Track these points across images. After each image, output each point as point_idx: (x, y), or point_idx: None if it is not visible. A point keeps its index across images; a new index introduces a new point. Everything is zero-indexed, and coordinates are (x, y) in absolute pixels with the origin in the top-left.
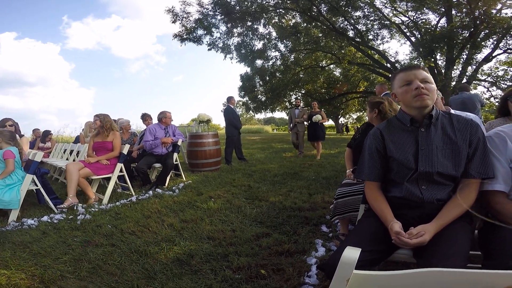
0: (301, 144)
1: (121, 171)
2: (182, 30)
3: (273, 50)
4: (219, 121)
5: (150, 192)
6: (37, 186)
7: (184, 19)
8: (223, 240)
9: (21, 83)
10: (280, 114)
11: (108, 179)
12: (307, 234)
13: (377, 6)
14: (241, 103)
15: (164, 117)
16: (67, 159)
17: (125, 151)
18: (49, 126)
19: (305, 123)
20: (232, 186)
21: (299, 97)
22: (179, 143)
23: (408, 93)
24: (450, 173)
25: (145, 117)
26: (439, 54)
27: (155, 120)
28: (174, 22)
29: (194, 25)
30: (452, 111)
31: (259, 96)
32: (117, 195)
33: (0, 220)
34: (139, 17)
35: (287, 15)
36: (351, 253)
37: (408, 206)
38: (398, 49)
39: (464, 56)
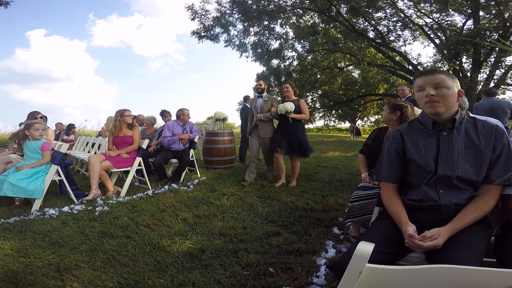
0: (268, 160)
1: (139, 165)
2: (200, 28)
3: (290, 50)
4: (234, 120)
5: (166, 186)
6: (60, 177)
7: (202, 16)
8: (234, 237)
9: (50, 79)
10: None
11: (127, 172)
12: (318, 235)
13: (399, 7)
14: None
15: (182, 114)
16: (89, 151)
17: (144, 146)
18: (73, 120)
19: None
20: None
21: (262, 81)
22: (196, 140)
23: (422, 99)
24: (470, 178)
25: (165, 114)
26: (465, 56)
27: (174, 117)
28: (193, 19)
29: (212, 23)
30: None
31: (275, 96)
32: (134, 188)
33: (24, 209)
34: (160, 16)
35: (305, 16)
36: (365, 247)
37: (424, 210)
38: (421, 51)
39: (492, 59)
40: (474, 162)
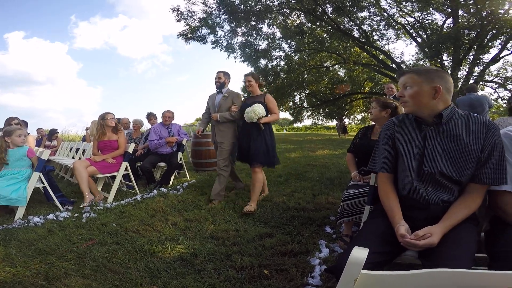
0: (234, 175)
1: (126, 169)
2: (187, 29)
3: (277, 50)
4: None
5: (155, 191)
6: (43, 184)
7: (188, 18)
8: (227, 240)
9: (30, 82)
10: (284, 114)
11: (114, 177)
12: (311, 234)
13: (382, 6)
14: None
15: (163, 116)
16: (73, 157)
17: (130, 150)
18: (56, 124)
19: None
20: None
21: (222, 72)
22: (184, 142)
23: None
24: (451, 176)
25: (150, 116)
26: (445, 54)
27: (160, 120)
28: (178, 21)
29: (198, 24)
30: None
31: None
32: (122, 193)
33: (6, 217)
34: (146, 17)
35: (292, 15)
36: (359, 253)
37: (416, 207)
38: (404, 49)
39: (471, 57)
40: (458, 159)
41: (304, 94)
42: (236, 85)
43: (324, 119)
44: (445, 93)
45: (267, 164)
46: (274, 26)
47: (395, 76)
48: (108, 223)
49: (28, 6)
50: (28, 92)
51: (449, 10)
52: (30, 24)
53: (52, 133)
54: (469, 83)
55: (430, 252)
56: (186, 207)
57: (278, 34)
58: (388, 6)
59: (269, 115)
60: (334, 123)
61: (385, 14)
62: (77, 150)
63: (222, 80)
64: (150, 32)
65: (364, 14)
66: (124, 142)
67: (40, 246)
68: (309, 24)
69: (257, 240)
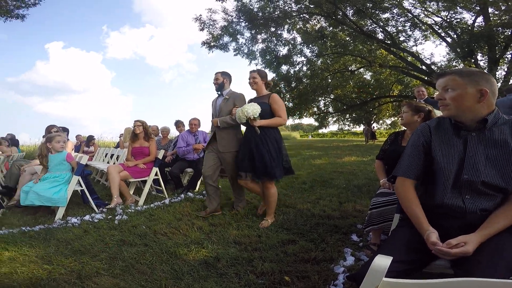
0: (233, 184)
1: (156, 174)
2: (210, 38)
3: (299, 55)
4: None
5: (182, 195)
6: (81, 186)
7: (210, 26)
8: (249, 245)
9: (69, 91)
10: (309, 120)
11: (144, 182)
12: (336, 242)
13: (405, 7)
14: None
15: (189, 124)
16: (108, 162)
17: (160, 156)
18: (92, 131)
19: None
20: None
21: (220, 72)
22: None
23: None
24: (496, 184)
25: (178, 124)
26: (480, 54)
27: (187, 127)
28: (202, 30)
29: (220, 32)
30: None
31: (286, 102)
32: (152, 197)
33: (48, 217)
34: (171, 27)
35: (312, 20)
36: (382, 261)
37: (447, 216)
38: (434, 50)
39: (510, 56)
40: (505, 167)
41: (329, 99)
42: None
43: (351, 124)
44: (491, 96)
45: (265, 177)
46: (294, 32)
47: (425, 78)
48: (138, 225)
49: (65, 16)
50: (67, 100)
51: (478, 8)
52: (67, 35)
53: (90, 140)
54: (510, 83)
55: (464, 260)
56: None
57: (298, 39)
58: (412, 6)
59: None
60: (361, 128)
61: (410, 15)
62: (111, 155)
63: (220, 80)
64: (175, 41)
65: (387, 15)
66: (155, 149)
67: (76, 245)
68: (331, 28)
69: (279, 246)
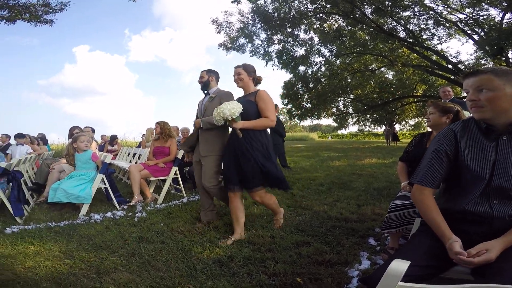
0: (204, 202)
1: (175, 174)
2: (227, 40)
3: (317, 55)
4: None
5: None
6: (105, 184)
7: (227, 28)
8: (262, 246)
9: (94, 92)
10: (327, 121)
11: (164, 180)
12: (352, 246)
13: (427, 4)
14: (285, 110)
15: None
16: (130, 161)
17: (179, 156)
18: (116, 132)
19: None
20: (275, 193)
21: (206, 70)
22: None
23: (468, 103)
24: None
25: None
26: (511, 52)
27: None
28: (219, 32)
29: (236, 34)
30: None
31: (303, 103)
32: (170, 196)
33: (72, 214)
34: (190, 29)
35: (329, 20)
36: (399, 265)
37: (471, 221)
38: (460, 48)
39: None
40: None
41: (348, 99)
42: (276, 91)
43: (372, 125)
44: None
45: (251, 187)
46: (311, 32)
47: (452, 77)
48: (156, 222)
49: (90, 20)
50: (93, 102)
51: (505, 4)
52: (92, 38)
53: (113, 139)
54: None
55: (486, 268)
56: (226, 211)
57: (316, 39)
58: (434, 3)
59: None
60: (382, 129)
61: (432, 12)
62: (133, 155)
63: (204, 79)
64: (194, 44)
65: (408, 13)
66: (175, 149)
67: (97, 241)
68: (349, 27)
69: (292, 248)
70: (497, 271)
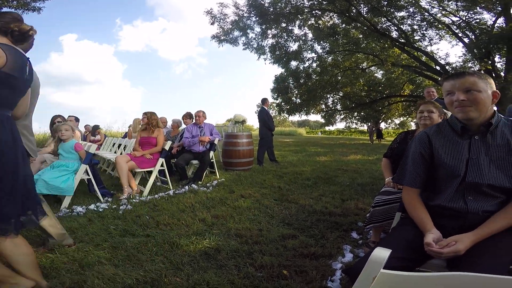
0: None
1: (162, 165)
2: (220, 32)
3: (309, 51)
4: (252, 122)
5: (186, 187)
6: (89, 176)
7: (221, 20)
8: (250, 238)
9: (81, 81)
10: (315, 117)
11: (150, 172)
12: (336, 239)
13: (422, 6)
14: (274, 104)
15: (195, 116)
16: (115, 152)
17: (167, 147)
18: (101, 122)
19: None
20: (263, 186)
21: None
22: (216, 142)
23: (452, 104)
24: (503, 186)
25: (185, 116)
26: (498, 56)
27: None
28: (212, 23)
29: (230, 26)
30: None
31: (293, 98)
32: (156, 188)
33: (54, 206)
34: (183, 20)
35: (324, 16)
36: (381, 253)
37: (448, 216)
38: (449, 50)
39: None
40: (509, 168)
41: (337, 96)
42: (267, 85)
43: (359, 122)
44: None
45: None
46: (306, 28)
47: (439, 78)
48: (142, 215)
49: (79, 9)
50: (79, 91)
51: (499, 8)
52: (81, 27)
53: (95, 129)
54: None
55: (461, 260)
56: (214, 204)
57: (310, 35)
58: (429, 5)
59: None
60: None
61: (426, 14)
62: (119, 145)
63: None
64: (187, 35)
65: (402, 14)
66: (162, 140)
67: (80, 234)
68: (343, 25)
69: (279, 240)
70: (469, 264)
